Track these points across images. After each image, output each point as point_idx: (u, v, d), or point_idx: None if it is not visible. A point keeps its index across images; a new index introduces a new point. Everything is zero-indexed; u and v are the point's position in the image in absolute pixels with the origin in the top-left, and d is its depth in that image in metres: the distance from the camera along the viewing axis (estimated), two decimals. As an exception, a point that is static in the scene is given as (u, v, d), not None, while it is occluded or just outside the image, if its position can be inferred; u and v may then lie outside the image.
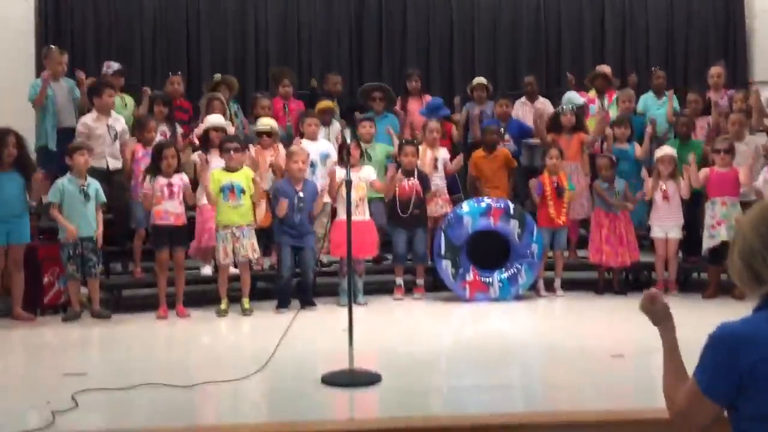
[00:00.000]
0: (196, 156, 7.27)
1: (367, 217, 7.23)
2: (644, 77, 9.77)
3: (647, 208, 7.67)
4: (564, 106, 8.31)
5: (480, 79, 9.15)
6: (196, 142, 7.61)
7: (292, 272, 6.99)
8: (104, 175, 7.23)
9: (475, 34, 11.33)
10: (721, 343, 2.05)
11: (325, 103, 8.37)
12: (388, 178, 7.42)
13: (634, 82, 9.42)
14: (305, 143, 7.54)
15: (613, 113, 8.60)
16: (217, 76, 8.89)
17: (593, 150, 8.22)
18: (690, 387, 2.12)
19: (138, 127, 7.60)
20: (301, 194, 6.94)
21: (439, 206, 7.74)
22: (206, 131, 7.40)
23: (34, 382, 4.67)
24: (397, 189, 7.40)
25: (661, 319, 2.35)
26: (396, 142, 8.06)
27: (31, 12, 10.31)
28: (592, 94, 9.06)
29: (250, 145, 7.55)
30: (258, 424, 3.82)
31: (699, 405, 2.09)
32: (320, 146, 7.73)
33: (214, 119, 7.50)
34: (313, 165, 7.46)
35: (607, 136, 8.17)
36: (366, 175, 7.23)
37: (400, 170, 7.51)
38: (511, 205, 7.42)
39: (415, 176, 7.45)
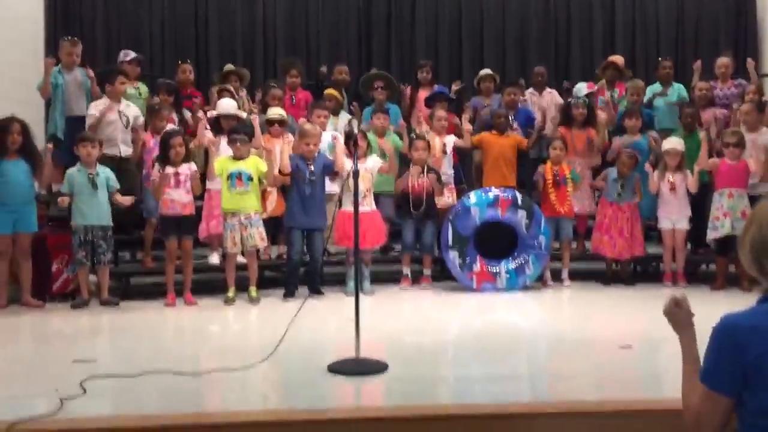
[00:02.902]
0: (209, 134, 7.26)
1: (374, 207, 7.24)
2: (652, 68, 9.71)
3: (656, 201, 7.64)
4: (576, 98, 8.26)
5: (487, 71, 9.12)
6: (207, 126, 7.60)
7: (301, 256, 6.99)
8: (116, 162, 7.26)
9: (483, 26, 11.33)
10: (725, 335, 2.04)
11: (330, 90, 8.30)
12: (390, 154, 7.32)
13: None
14: None
15: (623, 107, 8.56)
16: (229, 66, 8.87)
17: (601, 149, 8.15)
18: (700, 388, 2.09)
19: (149, 115, 7.61)
20: (312, 168, 6.95)
21: (446, 197, 7.73)
22: (217, 118, 7.41)
23: (43, 368, 4.68)
24: (409, 185, 7.39)
25: (684, 326, 2.29)
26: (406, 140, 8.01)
27: (41, 0, 10.32)
28: (602, 85, 8.98)
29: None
30: (264, 411, 3.82)
31: (711, 402, 2.06)
32: (326, 137, 7.63)
33: (226, 105, 7.50)
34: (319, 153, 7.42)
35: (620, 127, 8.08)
36: (371, 165, 7.22)
37: (411, 165, 7.50)
38: (519, 196, 7.40)
39: (425, 173, 7.44)
